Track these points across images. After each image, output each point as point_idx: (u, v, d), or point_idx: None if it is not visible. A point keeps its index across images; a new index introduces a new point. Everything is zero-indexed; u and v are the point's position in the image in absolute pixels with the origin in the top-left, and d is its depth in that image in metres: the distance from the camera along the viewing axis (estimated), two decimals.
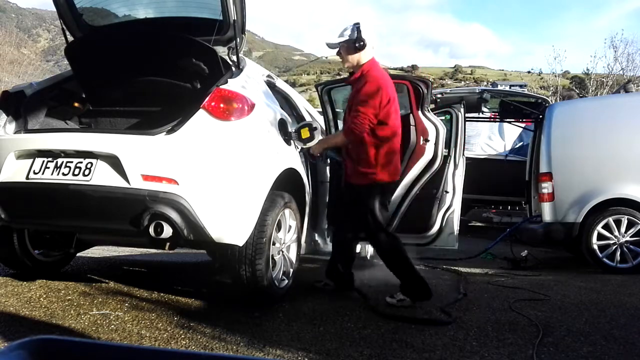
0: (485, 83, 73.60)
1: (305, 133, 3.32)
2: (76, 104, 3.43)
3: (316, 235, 4.01)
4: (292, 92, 4.35)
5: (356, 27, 3.19)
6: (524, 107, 6.34)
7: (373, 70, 3.22)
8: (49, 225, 2.93)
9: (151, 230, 2.55)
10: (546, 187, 5.39)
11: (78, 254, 3.83)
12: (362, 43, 3.18)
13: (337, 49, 3.27)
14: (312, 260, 4.87)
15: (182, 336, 2.44)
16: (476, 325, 2.83)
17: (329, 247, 4.33)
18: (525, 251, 5.70)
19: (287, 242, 3.25)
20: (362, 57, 3.23)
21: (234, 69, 3.13)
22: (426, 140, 4.19)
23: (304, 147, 3.40)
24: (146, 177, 2.57)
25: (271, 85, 3.62)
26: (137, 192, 2.55)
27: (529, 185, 6.23)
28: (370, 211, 3.25)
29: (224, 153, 2.73)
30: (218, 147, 2.72)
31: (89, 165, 2.64)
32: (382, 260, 3.37)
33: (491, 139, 10.06)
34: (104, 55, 3.32)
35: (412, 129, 4.21)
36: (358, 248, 4.39)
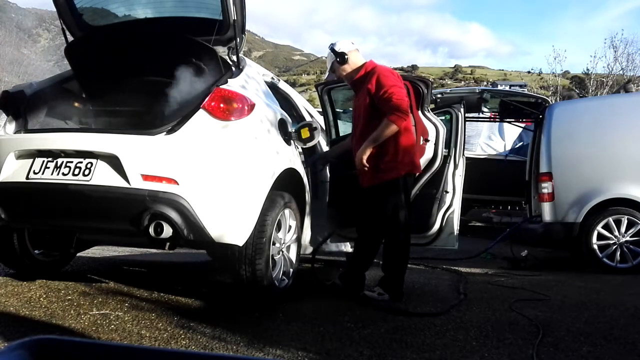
0: (485, 83, 73.61)
1: (305, 133, 3.32)
2: (76, 104, 3.43)
3: (316, 235, 4.01)
4: (292, 92, 4.35)
5: (330, 49, 3.42)
6: (524, 107, 6.34)
7: (379, 67, 3.32)
8: (49, 225, 2.93)
9: (151, 230, 2.55)
10: (546, 187, 5.39)
11: (78, 254, 3.83)
12: (343, 57, 3.35)
13: (334, 74, 3.48)
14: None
15: (182, 336, 2.44)
16: (476, 325, 2.83)
17: (329, 247, 4.33)
18: (525, 251, 5.70)
19: (287, 242, 3.25)
20: (354, 62, 3.38)
21: (234, 69, 3.13)
22: (426, 140, 4.18)
23: (304, 147, 3.41)
24: (146, 177, 2.57)
25: (272, 85, 3.62)
26: (137, 192, 2.55)
27: (529, 185, 6.22)
28: (394, 206, 3.30)
29: (224, 153, 2.73)
30: (218, 147, 2.72)
31: (89, 165, 2.64)
32: (385, 253, 3.40)
33: (491, 139, 10.05)
34: (104, 55, 3.32)
35: (412, 128, 4.21)
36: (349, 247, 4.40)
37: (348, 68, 3.38)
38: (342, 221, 4.00)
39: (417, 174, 4.04)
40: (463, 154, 4.82)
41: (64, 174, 2.66)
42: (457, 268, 4.98)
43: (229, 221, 2.72)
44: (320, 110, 4.68)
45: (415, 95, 4.21)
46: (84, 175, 2.62)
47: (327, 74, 3.51)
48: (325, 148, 4.28)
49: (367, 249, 3.51)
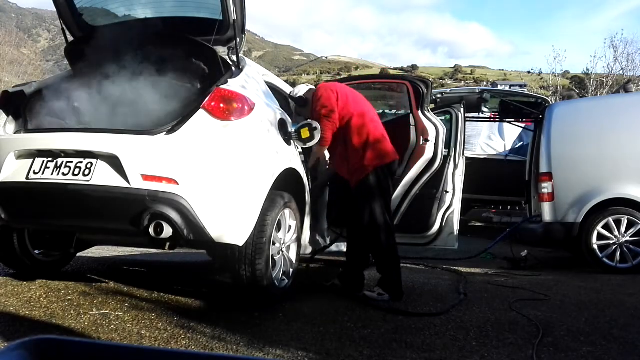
0: (485, 83, 73.64)
1: (305, 133, 3.33)
2: (76, 104, 3.43)
3: (316, 235, 4.00)
4: None
5: (290, 98, 3.74)
6: (524, 107, 6.34)
7: (316, 91, 3.56)
8: (49, 225, 2.93)
9: (151, 230, 2.55)
10: (546, 187, 5.39)
11: (78, 254, 3.83)
12: (302, 100, 3.64)
13: (302, 117, 3.68)
14: (312, 260, 4.86)
15: (182, 336, 2.44)
16: (476, 325, 2.83)
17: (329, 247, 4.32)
18: (525, 251, 5.70)
19: (287, 242, 3.25)
20: (309, 95, 3.62)
21: (234, 69, 3.13)
22: (426, 140, 4.19)
23: (304, 147, 3.42)
24: (146, 177, 2.57)
25: (271, 86, 3.63)
26: (137, 192, 2.55)
27: (529, 185, 6.23)
28: (371, 207, 3.37)
29: (224, 153, 2.73)
30: (218, 147, 2.72)
31: (89, 165, 2.64)
32: (374, 253, 3.43)
33: (491, 139, 10.06)
34: (104, 55, 3.32)
35: (412, 129, 4.22)
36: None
37: (309, 107, 3.59)
38: (340, 221, 4.02)
39: (424, 174, 4.10)
40: (463, 154, 4.82)
41: (64, 174, 2.66)
42: (457, 268, 4.98)
43: (229, 221, 2.72)
44: None
45: (415, 95, 4.22)
46: (84, 175, 2.62)
47: (294, 118, 3.72)
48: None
49: (358, 249, 3.56)
